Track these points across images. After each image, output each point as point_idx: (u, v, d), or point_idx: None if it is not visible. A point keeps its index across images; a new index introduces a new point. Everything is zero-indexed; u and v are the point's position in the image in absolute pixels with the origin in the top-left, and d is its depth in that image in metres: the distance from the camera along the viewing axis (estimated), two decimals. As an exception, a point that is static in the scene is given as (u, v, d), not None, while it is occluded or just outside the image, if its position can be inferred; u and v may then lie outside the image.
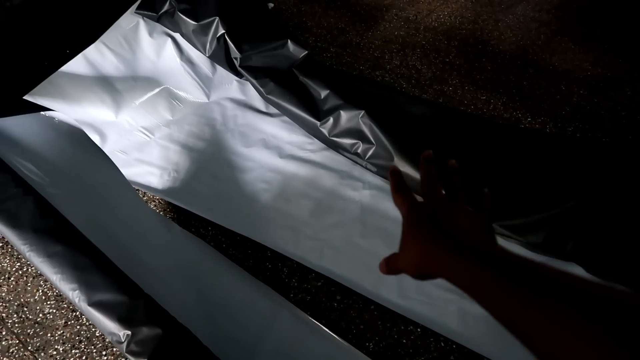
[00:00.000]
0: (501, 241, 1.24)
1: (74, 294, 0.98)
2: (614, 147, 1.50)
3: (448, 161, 0.56)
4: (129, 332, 0.94)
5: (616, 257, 1.13)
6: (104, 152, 1.44)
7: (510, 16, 2.15)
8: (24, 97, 1.39)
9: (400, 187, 0.54)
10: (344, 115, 1.44)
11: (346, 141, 1.44)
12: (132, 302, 0.98)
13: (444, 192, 0.54)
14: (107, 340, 1.16)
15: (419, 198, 0.54)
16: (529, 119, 1.65)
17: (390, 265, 0.51)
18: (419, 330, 1.16)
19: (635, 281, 1.12)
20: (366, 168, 1.45)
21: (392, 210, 1.36)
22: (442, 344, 1.13)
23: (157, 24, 1.66)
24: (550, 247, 1.20)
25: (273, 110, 1.62)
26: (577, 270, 1.18)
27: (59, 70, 1.49)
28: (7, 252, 1.32)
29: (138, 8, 1.64)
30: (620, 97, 1.73)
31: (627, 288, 0.31)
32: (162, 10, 1.62)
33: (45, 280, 1.27)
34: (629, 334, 0.27)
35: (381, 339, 1.15)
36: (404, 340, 1.14)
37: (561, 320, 0.31)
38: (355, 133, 1.43)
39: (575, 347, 0.29)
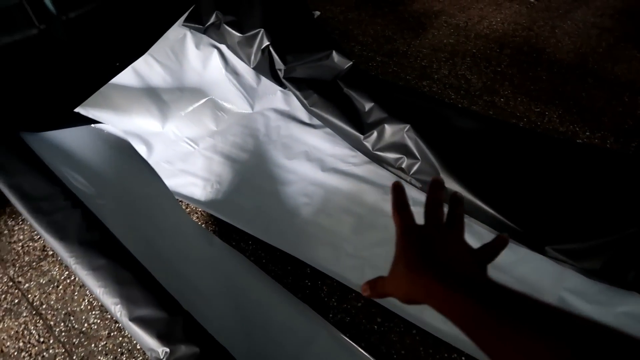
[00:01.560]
0: (556, 266, 1.17)
1: (116, 308, 0.99)
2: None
3: (454, 193, 0.54)
4: (168, 350, 0.94)
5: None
6: (148, 163, 1.46)
7: (568, 22, 2.04)
8: (75, 110, 1.43)
9: (400, 205, 0.52)
10: (389, 128, 1.40)
11: (390, 155, 1.40)
12: (171, 319, 0.98)
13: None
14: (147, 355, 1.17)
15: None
16: (587, 134, 1.55)
17: (378, 289, 0.50)
18: (463, 358, 1.10)
19: None
20: (410, 184, 1.40)
21: (437, 229, 1.31)
22: (488, 375, 1.07)
23: (204, 36, 1.68)
24: (609, 275, 1.12)
25: (316, 122, 1.60)
26: (638, 301, 1.08)
27: (109, 82, 1.53)
28: (56, 260, 1.37)
29: (185, 21, 1.66)
30: (691, 109, 1.60)
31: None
32: (209, 23, 1.63)
33: (91, 292, 1.30)
34: None
35: (423, 366, 1.10)
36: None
37: (545, 354, 0.31)
38: (399, 147, 1.39)
39: None
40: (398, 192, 0.54)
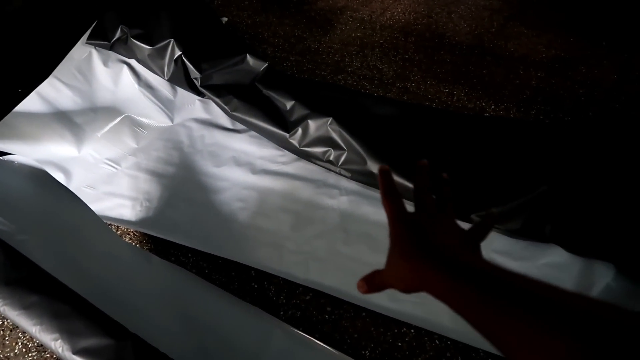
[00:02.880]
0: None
1: (57, 344, 0.94)
2: (577, 127, 1.54)
3: (441, 174, 0.55)
4: (120, 376, 0.91)
5: (593, 234, 1.16)
6: (70, 190, 1.39)
7: (462, 7, 2.19)
8: (-21, 144, 1.34)
9: (389, 191, 0.49)
10: (312, 124, 1.43)
11: (317, 150, 1.43)
12: (119, 344, 0.94)
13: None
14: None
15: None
16: (492, 107, 1.68)
17: (376, 283, 0.50)
18: (412, 331, 1.16)
19: (612, 255, 1.15)
20: (341, 174, 1.44)
21: (372, 214, 1.36)
22: (437, 342, 1.14)
23: (111, 52, 1.62)
24: (529, 232, 1.22)
25: (240, 126, 1.60)
26: (558, 251, 1.20)
27: (13, 110, 1.44)
28: (-21, 306, 1.26)
29: (89, 38, 1.59)
30: (577, 75, 1.77)
31: (604, 301, 0.32)
32: (115, 38, 1.58)
33: (24, 332, 1.21)
34: (599, 344, 0.29)
35: (376, 345, 1.14)
36: (399, 343, 1.14)
37: (537, 331, 0.32)
38: (325, 141, 1.42)
39: (550, 356, 0.31)
40: (386, 178, 0.50)
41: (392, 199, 0.49)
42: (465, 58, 1.90)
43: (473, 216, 1.26)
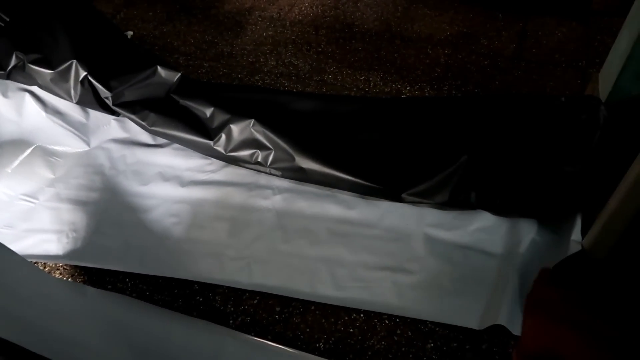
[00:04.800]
0: (415, 209, 1.31)
1: (-5, 399, 0.88)
2: (487, 97, 1.63)
3: None
4: (68, 419, 0.86)
5: (514, 195, 1.24)
6: (-16, 234, 1.29)
7: (366, -5, 2.24)
8: None
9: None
10: (235, 128, 1.42)
11: (244, 153, 1.42)
12: (64, 386, 0.90)
13: None
14: None
15: None
16: (408, 88, 1.74)
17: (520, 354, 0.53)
18: (362, 315, 1.18)
19: (534, 211, 1.24)
20: (271, 174, 1.44)
21: (307, 209, 1.38)
22: (387, 322, 1.17)
23: (9, 82, 1.51)
24: (456, 202, 1.28)
25: (162, 140, 1.55)
26: (485, 216, 1.27)
27: None
28: None
29: (-19, 69, 1.48)
30: (480, 48, 1.88)
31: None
32: (10, 66, 1.48)
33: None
34: None
35: (329, 335, 1.16)
36: (351, 330, 1.16)
37: None
38: (250, 143, 1.42)
39: None
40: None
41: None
42: (376, 44, 1.95)
43: (404, 195, 1.30)
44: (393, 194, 1.33)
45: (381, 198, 1.36)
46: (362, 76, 1.80)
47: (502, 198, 1.25)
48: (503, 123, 1.37)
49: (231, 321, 1.20)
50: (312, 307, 1.21)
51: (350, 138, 1.43)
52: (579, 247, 1.03)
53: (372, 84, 1.77)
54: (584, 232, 1.06)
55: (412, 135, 1.41)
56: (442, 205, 1.31)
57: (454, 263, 1.23)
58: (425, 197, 1.30)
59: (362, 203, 1.37)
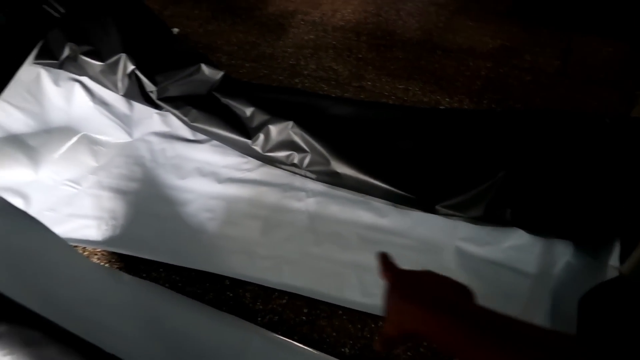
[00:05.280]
0: (448, 221, 1.31)
1: (31, 373, 0.92)
2: (528, 113, 1.61)
3: None
4: (100, 399, 0.89)
5: (551, 215, 1.22)
6: (30, 215, 1.35)
7: (409, 4, 2.25)
8: None
9: (388, 266, 0.59)
10: (274, 129, 1.44)
11: (281, 154, 1.44)
12: (96, 367, 0.93)
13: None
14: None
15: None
16: (447, 99, 1.74)
17: (382, 334, 0.54)
18: (388, 323, 1.19)
19: (571, 233, 1.22)
20: (306, 176, 1.46)
21: (340, 213, 1.39)
22: (413, 331, 1.17)
23: (61, 71, 1.57)
24: (491, 218, 1.27)
25: (201, 136, 1.59)
26: (520, 234, 1.25)
27: (-38, 139, 1.39)
28: (-57, 344, 1.21)
29: (36, 58, 1.55)
30: (522, 63, 1.86)
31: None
32: (64, 56, 1.54)
33: (-6, 365, 1.17)
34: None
35: (355, 341, 1.17)
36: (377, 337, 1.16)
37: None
38: (288, 144, 1.44)
39: None
40: (383, 259, 0.61)
41: (390, 268, 0.59)
42: (417, 53, 1.96)
43: (437, 207, 1.30)
44: (426, 205, 1.32)
45: (414, 208, 1.36)
46: (401, 85, 1.81)
47: (539, 217, 1.24)
48: (544, 140, 1.35)
49: (259, 319, 1.22)
50: (340, 312, 1.22)
51: (386, 146, 1.43)
52: (617, 273, 1.01)
53: (410, 93, 1.77)
54: (622, 258, 1.04)
55: (449, 147, 1.41)
56: (476, 220, 1.30)
57: (485, 279, 1.23)
58: (459, 210, 1.30)
59: (394, 211, 1.38)
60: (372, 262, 1.26)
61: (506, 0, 2.18)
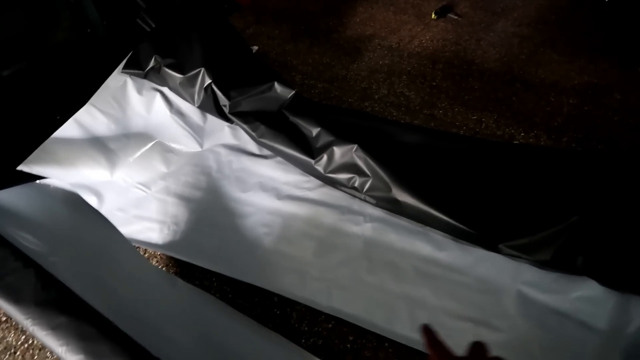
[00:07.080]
0: (511, 262, 1.23)
1: (81, 365, 0.96)
2: (611, 156, 1.49)
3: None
4: (140, 399, 0.91)
5: (629, 267, 1.11)
6: (101, 214, 1.43)
7: (491, 34, 2.18)
8: (18, 168, 1.40)
9: (434, 343, 0.58)
10: (337, 150, 1.44)
11: (342, 176, 1.43)
12: (141, 368, 0.95)
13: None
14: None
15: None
16: (522, 134, 1.65)
17: None
18: (437, 364, 1.12)
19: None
20: (365, 201, 1.44)
21: (396, 242, 1.35)
22: (463, 376, 1.09)
23: (145, 81, 1.68)
24: (560, 263, 1.18)
25: (267, 152, 1.62)
26: (591, 285, 1.15)
27: (52, 136, 1.50)
28: (11, 325, 1.30)
29: (124, 67, 1.66)
30: (611, 102, 1.73)
31: None
32: (149, 67, 1.64)
33: (52, 352, 1.24)
34: None
35: (399, 377, 1.11)
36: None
37: None
38: (350, 167, 1.43)
39: None
40: (429, 333, 0.59)
41: (437, 346, 0.57)
42: (494, 85, 1.88)
43: (501, 246, 1.23)
44: (489, 243, 1.25)
45: (475, 245, 1.29)
46: (474, 116, 1.75)
47: (614, 268, 1.13)
48: (625, 186, 1.24)
49: (303, 340, 1.20)
50: (386, 344, 1.17)
51: (452, 177, 1.38)
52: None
53: (484, 124, 1.70)
54: None
55: (520, 185, 1.33)
56: (543, 265, 1.21)
57: (548, 329, 1.13)
58: (524, 252, 1.21)
59: (454, 246, 1.31)
60: (426, 297, 1.22)
61: (597, 36, 2.05)
